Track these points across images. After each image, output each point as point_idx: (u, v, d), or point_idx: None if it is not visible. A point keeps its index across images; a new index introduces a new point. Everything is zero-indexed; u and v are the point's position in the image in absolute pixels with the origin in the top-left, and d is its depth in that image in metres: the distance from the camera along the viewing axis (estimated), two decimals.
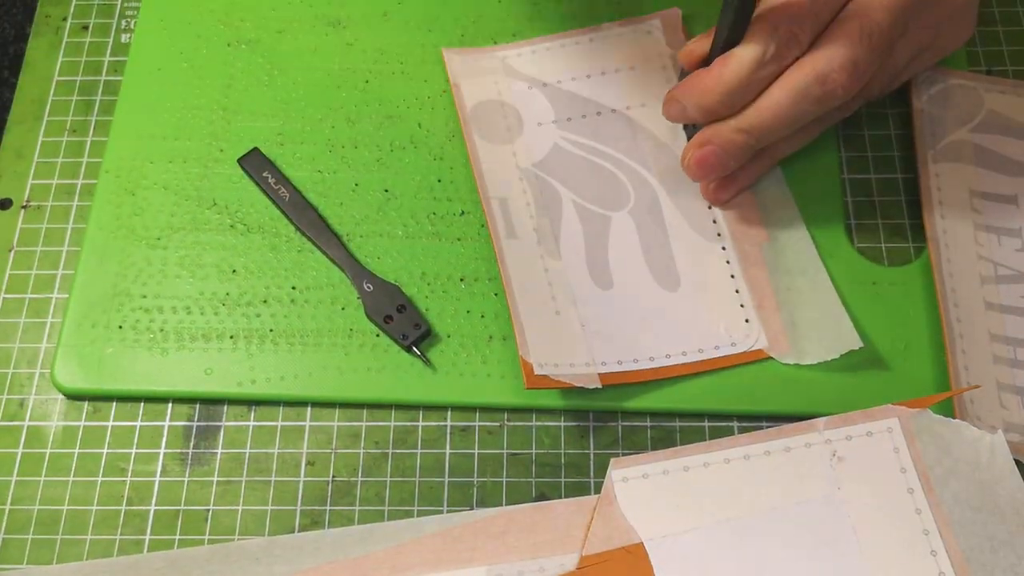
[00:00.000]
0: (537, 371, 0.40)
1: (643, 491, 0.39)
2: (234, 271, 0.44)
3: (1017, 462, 0.40)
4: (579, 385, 0.40)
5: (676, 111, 0.42)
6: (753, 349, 0.42)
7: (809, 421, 0.40)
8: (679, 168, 0.45)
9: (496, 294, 0.44)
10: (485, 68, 0.49)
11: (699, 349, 0.42)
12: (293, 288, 0.44)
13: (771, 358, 0.42)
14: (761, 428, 0.41)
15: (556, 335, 0.41)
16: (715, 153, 0.42)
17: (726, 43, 0.40)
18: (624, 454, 0.41)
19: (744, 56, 0.39)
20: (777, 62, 0.39)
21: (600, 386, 0.40)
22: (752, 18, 0.39)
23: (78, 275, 0.44)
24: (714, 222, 0.45)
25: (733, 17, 0.39)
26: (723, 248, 0.44)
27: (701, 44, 0.43)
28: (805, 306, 0.42)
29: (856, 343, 0.41)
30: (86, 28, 0.52)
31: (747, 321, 0.42)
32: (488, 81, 0.48)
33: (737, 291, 0.43)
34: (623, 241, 0.44)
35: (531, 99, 0.48)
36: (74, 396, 0.43)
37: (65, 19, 0.52)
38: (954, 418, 0.39)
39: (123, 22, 0.52)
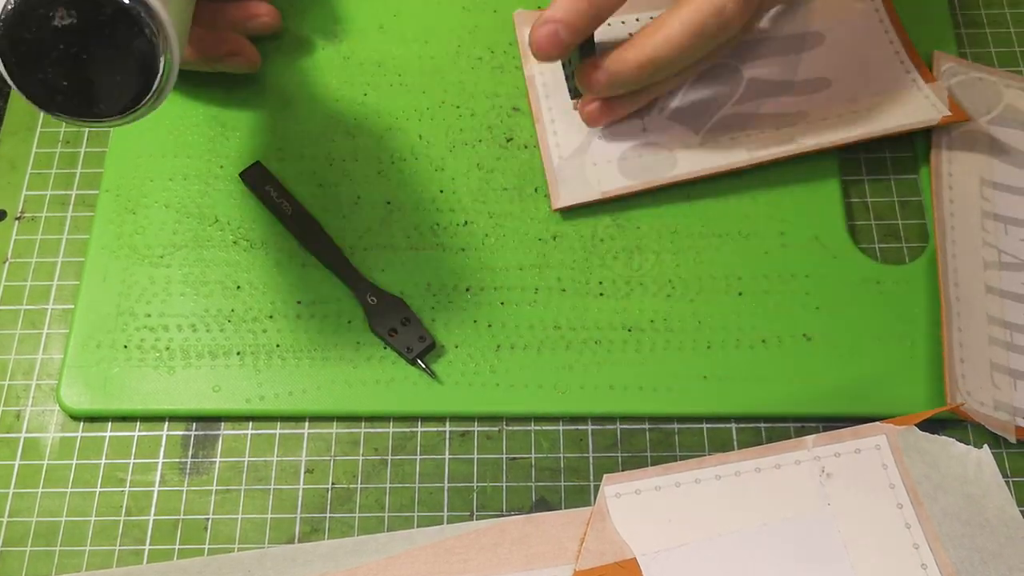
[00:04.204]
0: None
1: (636, 507, 0.39)
2: (238, 287, 0.44)
3: (1021, 441, 0.41)
4: None
5: (546, 32, 0.40)
6: None
7: (798, 439, 0.40)
8: None
9: (502, 303, 0.44)
10: None
11: None
12: (298, 303, 0.44)
13: None
14: (759, 429, 0.42)
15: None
16: (607, 80, 0.42)
17: None
18: (623, 457, 0.41)
19: None
20: None
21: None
22: None
23: (81, 295, 0.44)
24: None
25: None
26: None
27: None
28: None
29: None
30: None
31: None
32: None
33: None
34: None
35: None
36: (81, 417, 0.42)
37: None
38: (945, 397, 0.40)
39: None
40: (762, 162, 0.45)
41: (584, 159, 0.46)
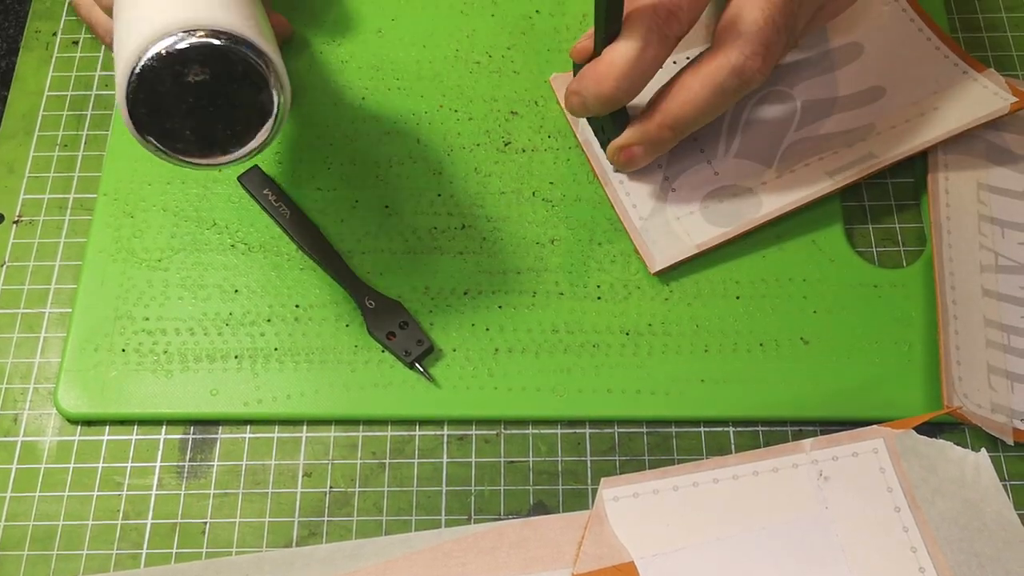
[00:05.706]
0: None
1: (633, 510, 0.39)
2: (236, 291, 0.44)
3: (1019, 444, 0.41)
4: None
5: (577, 103, 0.43)
6: None
7: (796, 442, 0.40)
8: None
9: (500, 307, 0.44)
10: None
11: None
12: (296, 306, 0.44)
13: None
14: (756, 432, 0.42)
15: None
16: (643, 151, 0.43)
17: (607, 32, 0.40)
18: (621, 460, 0.41)
19: (627, 40, 0.40)
20: (662, 41, 0.40)
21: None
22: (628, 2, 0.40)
23: (79, 299, 0.44)
24: None
25: (606, 5, 0.39)
26: None
27: (590, 40, 0.43)
28: None
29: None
30: (76, 43, 0.52)
31: None
32: None
33: None
34: None
35: None
36: (79, 421, 0.42)
37: (55, 34, 0.52)
38: (942, 400, 0.40)
39: None
40: (848, 184, 0.45)
41: (666, 215, 0.45)
